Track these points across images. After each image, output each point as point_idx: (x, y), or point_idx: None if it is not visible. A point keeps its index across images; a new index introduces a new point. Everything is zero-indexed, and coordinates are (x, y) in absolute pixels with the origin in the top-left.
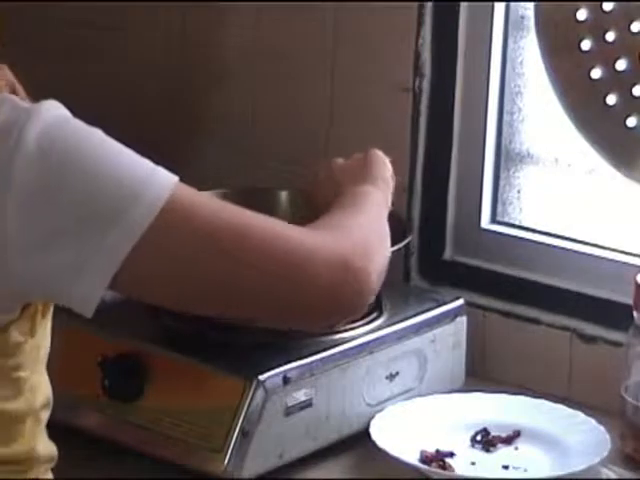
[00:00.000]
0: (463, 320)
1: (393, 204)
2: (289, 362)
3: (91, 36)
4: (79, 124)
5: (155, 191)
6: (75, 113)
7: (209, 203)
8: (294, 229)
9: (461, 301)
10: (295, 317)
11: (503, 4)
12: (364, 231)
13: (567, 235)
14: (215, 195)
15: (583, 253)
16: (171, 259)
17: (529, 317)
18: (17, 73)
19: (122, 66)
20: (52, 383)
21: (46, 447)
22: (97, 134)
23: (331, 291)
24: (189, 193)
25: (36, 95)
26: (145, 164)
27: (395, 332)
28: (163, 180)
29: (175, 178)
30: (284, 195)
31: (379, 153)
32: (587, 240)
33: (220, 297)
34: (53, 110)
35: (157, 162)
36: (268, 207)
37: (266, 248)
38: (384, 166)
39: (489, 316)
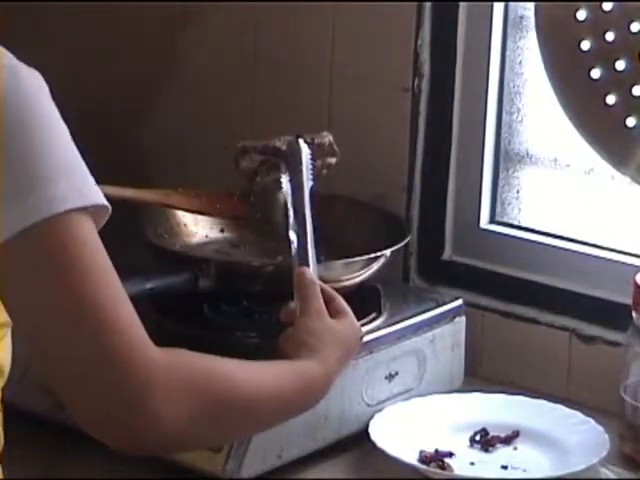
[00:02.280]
0: (462, 320)
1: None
2: None
3: (90, 37)
4: (48, 101)
5: (64, 195)
6: (77, 114)
7: (96, 256)
8: (144, 339)
9: (460, 301)
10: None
11: (502, 4)
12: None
13: (566, 235)
14: (214, 196)
15: (582, 253)
16: (28, 274)
17: (528, 317)
18: None
19: (120, 68)
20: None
21: None
22: (60, 122)
23: (108, 393)
24: (92, 236)
25: None
26: (82, 170)
27: (394, 332)
28: (86, 192)
29: (99, 202)
30: (283, 195)
31: (356, 325)
32: (586, 240)
33: (40, 345)
34: (35, 75)
35: (157, 162)
36: (267, 208)
37: (101, 331)
38: (354, 340)
39: (488, 316)
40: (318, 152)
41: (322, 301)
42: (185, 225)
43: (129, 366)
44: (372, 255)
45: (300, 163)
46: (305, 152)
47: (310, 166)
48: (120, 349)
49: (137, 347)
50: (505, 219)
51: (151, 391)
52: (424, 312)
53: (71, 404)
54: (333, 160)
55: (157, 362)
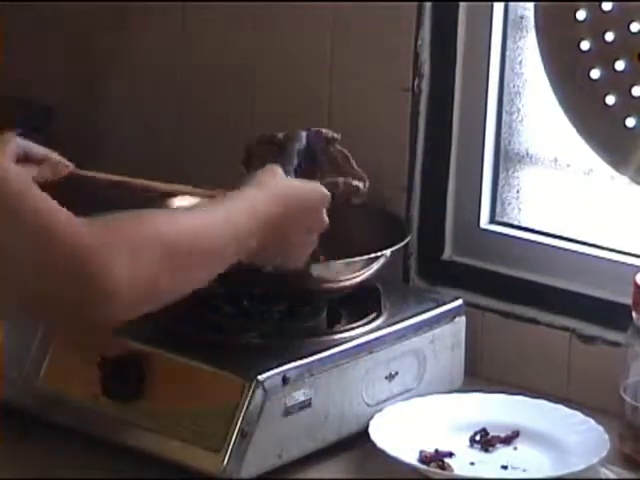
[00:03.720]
0: (462, 320)
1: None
2: (288, 362)
3: (91, 37)
4: None
5: None
6: (78, 113)
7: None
8: (64, 213)
9: (460, 301)
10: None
11: (502, 4)
12: (148, 240)
13: (566, 235)
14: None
15: (582, 253)
16: None
17: (528, 317)
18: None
19: (121, 67)
20: (52, 383)
21: None
22: None
23: (61, 279)
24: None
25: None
26: None
27: (394, 332)
28: None
29: None
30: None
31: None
32: (586, 240)
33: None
34: None
35: (157, 162)
36: None
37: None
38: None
39: (488, 316)
40: (319, 139)
41: None
42: None
43: (64, 244)
44: (372, 255)
45: (293, 143)
46: (302, 134)
47: (304, 146)
48: (54, 234)
49: (63, 228)
50: (505, 219)
51: (89, 257)
52: (424, 312)
53: (35, 300)
54: (360, 184)
55: (84, 232)
